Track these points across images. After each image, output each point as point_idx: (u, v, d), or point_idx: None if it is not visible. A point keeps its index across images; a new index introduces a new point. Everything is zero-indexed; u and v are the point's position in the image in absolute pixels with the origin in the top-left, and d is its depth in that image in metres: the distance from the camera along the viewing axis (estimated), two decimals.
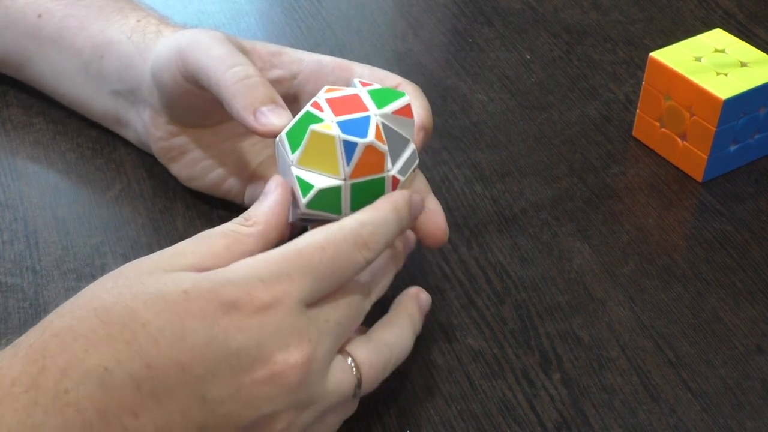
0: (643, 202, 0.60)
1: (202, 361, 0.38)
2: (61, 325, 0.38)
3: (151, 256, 0.42)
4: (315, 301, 0.42)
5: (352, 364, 0.43)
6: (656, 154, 0.63)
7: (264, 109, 0.48)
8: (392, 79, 0.52)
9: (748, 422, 0.48)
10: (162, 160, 0.58)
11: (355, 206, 0.45)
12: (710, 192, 0.61)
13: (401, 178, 0.46)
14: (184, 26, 0.58)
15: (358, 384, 0.43)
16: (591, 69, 0.71)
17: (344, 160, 0.44)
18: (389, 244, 0.44)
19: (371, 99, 0.46)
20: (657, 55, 0.61)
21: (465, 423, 0.47)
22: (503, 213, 0.59)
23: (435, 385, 0.49)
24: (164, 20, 0.59)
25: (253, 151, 0.56)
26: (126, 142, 0.62)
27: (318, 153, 0.45)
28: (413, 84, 0.52)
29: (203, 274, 0.40)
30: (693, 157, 0.61)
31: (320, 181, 0.45)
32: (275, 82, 0.53)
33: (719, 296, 0.54)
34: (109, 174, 0.60)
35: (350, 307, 0.43)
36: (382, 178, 0.45)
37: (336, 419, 0.44)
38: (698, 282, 0.55)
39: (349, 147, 0.44)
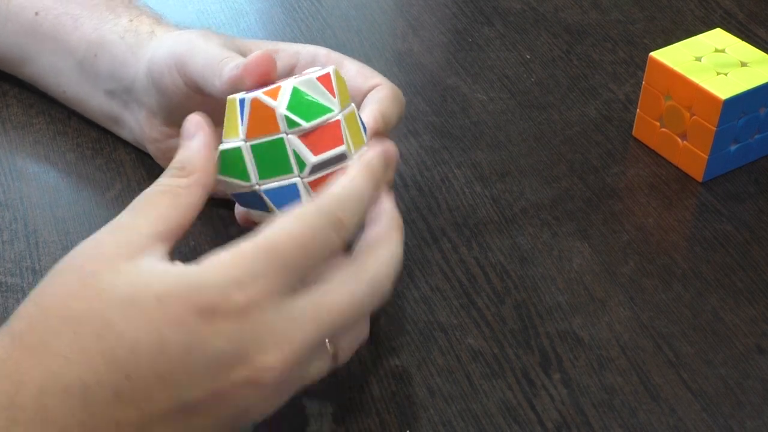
0: (643, 202, 0.60)
1: (181, 368, 0.38)
2: (32, 336, 0.38)
3: (104, 237, 0.40)
4: (295, 287, 0.41)
5: (328, 342, 0.43)
6: (656, 154, 0.63)
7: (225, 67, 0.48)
8: (374, 79, 0.52)
9: (748, 422, 0.48)
10: (159, 161, 0.58)
11: (264, 172, 0.45)
12: (710, 192, 0.61)
13: (304, 124, 0.44)
14: (177, 26, 0.58)
15: (334, 357, 0.43)
16: (591, 69, 0.71)
17: (240, 120, 0.45)
18: (365, 214, 0.43)
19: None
20: (657, 55, 0.61)
21: (465, 423, 0.47)
22: (503, 213, 0.59)
23: (435, 385, 0.49)
24: (157, 19, 0.59)
25: None
26: (126, 143, 0.62)
27: (229, 120, 0.45)
28: (393, 87, 0.52)
29: (174, 274, 0.39)
30: (693, 156, 0.61)
31: (223, 144, 0.45)
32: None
33: (719, 296, 0.54)
34: (109, 174, 0.60)
35: (349, 310, 0.42)
36: (281, 139, 0.44)
37: None
38: (698, 282, 0.55)
39: (242, 106, 0.45)
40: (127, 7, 0.60)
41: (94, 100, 0.61)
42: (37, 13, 0.61)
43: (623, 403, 0.49)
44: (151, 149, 0.58)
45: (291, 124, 0.44)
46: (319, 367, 0.42)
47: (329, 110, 0.45)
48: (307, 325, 0.40)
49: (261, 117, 0.44)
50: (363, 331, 0.45)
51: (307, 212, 0.41)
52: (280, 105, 0.44)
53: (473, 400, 0.48)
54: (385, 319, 0.52)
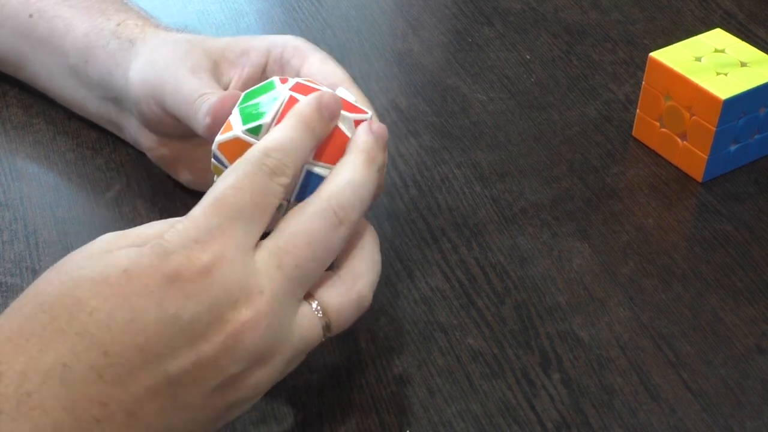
0: (643, 202, 0.60)
1: (158, 339, 0.38)
2: (11, 326, 0.38)
3: (94, 241, 0.41)
4: (256, 242, 0.41)
5: (317, 309, 0.42)
6: (656, 154, 0.63)
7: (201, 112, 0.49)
8: (338, 75, 0.51)
9: (748, 422, 0.48)
10: (158, 165, 0.58)
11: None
12: (710, 192, 0.61)
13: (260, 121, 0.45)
14: (161, 27, 0.57)
15: (327, 327, 0.43)
16: (591, 69, 0.71)
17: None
18: (304, 161, 0.44)
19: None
20: (657, 55, 0.61)
21: (465, 423, 0.47)
22: (503, 213, 0.59)
23: (435, 386, 0.49)
24: (142, 24, 0.57)
25: None
26: (126, 143, 0.62)
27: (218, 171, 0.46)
28: (357, 87, 0.51)
29: (139, 249, 0.39)
30: (693, 157, 0.61)
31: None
32: (248, 79, 0.53)
33: (719, 296, 0.54)
34: (109, 174, 0.60)
35: (310, 247, 0.42)
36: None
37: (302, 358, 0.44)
38: (698, 282, 0.55)
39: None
40: (118, 10, 0.59)
41: (91, 105, 0.60)
42: (31, 16, 0.60)
43: (623, 404, 0.49)
44: (148, 156, 0.58)
45: (253, 130, 0.45)
46: (305, 331, 0.42)
47: (272, 94, 0.46)
48: (273, 273, 0.40)
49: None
50: (349, 293, 0.44)
51: (239, 163, 0.42)
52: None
53: (473, 401, 0.48)
54: (385, 319, 0.52)
